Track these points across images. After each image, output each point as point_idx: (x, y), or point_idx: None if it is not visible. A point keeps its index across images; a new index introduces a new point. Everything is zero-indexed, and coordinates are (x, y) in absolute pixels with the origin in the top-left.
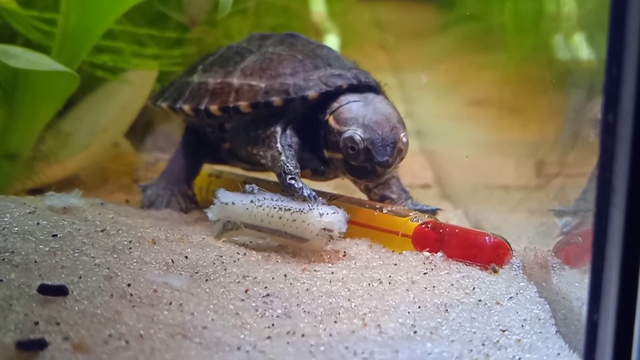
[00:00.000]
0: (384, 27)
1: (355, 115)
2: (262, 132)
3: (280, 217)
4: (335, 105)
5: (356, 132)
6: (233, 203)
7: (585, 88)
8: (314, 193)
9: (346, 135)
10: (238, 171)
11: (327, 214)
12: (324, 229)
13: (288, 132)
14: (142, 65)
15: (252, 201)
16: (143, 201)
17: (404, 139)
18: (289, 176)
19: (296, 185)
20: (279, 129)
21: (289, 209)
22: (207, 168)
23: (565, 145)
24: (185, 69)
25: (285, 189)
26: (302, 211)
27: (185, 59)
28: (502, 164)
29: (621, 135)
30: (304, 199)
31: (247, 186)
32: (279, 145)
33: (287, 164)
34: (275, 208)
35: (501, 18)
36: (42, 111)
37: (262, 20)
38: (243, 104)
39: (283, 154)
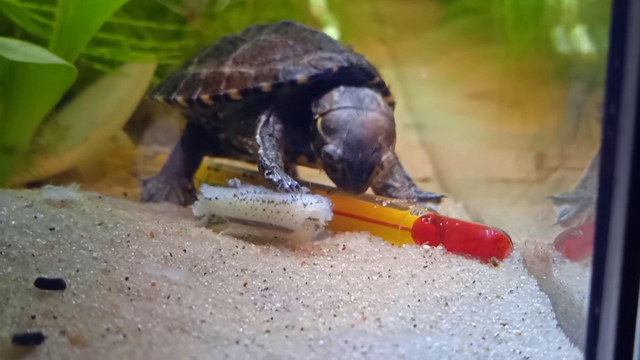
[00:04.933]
0: (384, 20)
1: (341, 127)
2: (252, 121)
3: (265, 210)
4: (326, 105)
5: (336, 151)
6: (216, 198)
7: (586, 81)
8: (295, 183)
9: (327, 149)
10: (238, 164)
11: (311, 203)
12: (310, 218)
13: (271, 119)
14: (140, 58)
15: (235, 195)
16: (143, 194)
17: (385, 161)
18: (267, 171)
19: (274, 180)
20: (263, 117)
21: (272, 201)
22: (206, 161)
23: (565, 138)
24: (182, 63)
25: (268, 182)
26: (285, 202)
27: (184, 51)
28: (502, 157)
29: (623, 127)
30: (287, 191)
31: (229, 180)
32: (257, 136)
33: (264, 159)
34: (258, 201)
35: (501, 11)
36: (40, 104)
37: (262, 13)
38: (233, 92)
39: (261, 147)
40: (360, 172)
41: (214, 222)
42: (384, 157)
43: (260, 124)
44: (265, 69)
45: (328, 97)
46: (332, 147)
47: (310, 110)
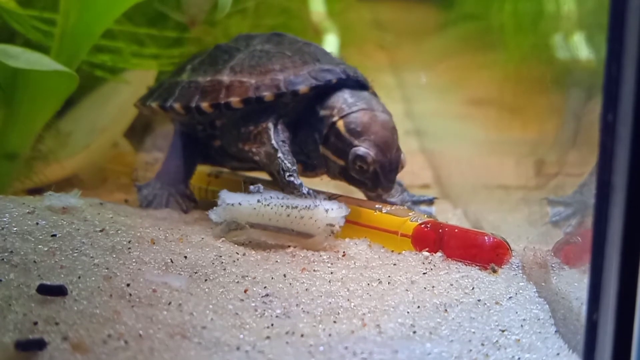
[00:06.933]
0: (384, 27)
1: (367, 129)
2: (254, 128)
3: (289, 215)
4: (344, 107)
5: (369, 153)
6: (240, 204)
7: (585, 88)
8: (311, 189)
9: (359, 152)
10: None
11: (332, 209)
12: (328, 224)
13: (279, 127)
14: (141, 65)
15: (259, 201)
16: (140, 201)
17: (404, 160)
18: (287, 173)
19: (295, 182)
20: (271, 125)
21: (296, 207)
22: (205, 168)
23: (564, 145)
24: (174, 70)
25: (284, 187)
26: (309, 208)
27: (184, 58)
28: (502, 164)
29: (621, 134)
30: (304, 196)
31: (251, 187)
32: (273, 142)
33: (285, 161)
34: (282, 206)
35: (500, 17)
36: (42, 111)
37: (262, 20)
38: (234, 100)
39: (279, 151)
40: (390, 171)
41: (233, 228)
42: (402, 156)
43: (271, 132)
44: (267, 79)
45: (340, 100)
46: (364, 149)
47: (315, 116)
